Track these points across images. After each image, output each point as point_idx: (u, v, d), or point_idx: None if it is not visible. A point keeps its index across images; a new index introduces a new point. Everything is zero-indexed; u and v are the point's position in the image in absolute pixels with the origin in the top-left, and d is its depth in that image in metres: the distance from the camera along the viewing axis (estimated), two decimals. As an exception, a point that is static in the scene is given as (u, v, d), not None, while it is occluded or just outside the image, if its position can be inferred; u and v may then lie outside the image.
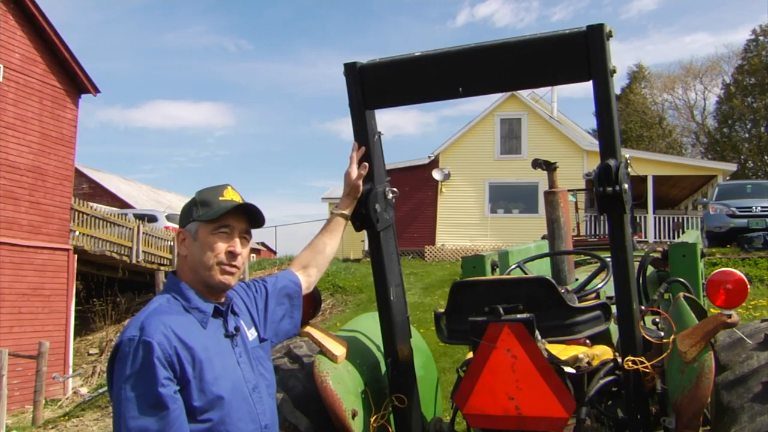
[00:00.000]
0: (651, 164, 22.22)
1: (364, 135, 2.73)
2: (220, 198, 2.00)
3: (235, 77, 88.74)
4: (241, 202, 2.03)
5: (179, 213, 2.13)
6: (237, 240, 1.99)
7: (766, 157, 39.72)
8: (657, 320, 2.95)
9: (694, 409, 2.37)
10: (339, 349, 2.73)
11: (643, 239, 20.40)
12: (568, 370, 2.74)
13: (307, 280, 2.43)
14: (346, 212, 2.57)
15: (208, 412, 1.81)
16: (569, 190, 4.60)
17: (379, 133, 2.79)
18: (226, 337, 1.96)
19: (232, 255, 1.96)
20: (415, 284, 16.29)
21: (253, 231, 2.10)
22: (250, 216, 2.05)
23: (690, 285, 3.47)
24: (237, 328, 2.02)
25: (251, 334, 2.09)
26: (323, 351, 2.70)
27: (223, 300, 2.01)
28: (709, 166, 24.46)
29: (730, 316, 2.46)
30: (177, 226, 2.14)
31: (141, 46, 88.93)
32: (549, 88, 25.79)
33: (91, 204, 19.31)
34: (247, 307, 2.15)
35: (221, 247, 1.95)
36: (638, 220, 21.32)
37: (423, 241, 23.12)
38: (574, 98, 72.78)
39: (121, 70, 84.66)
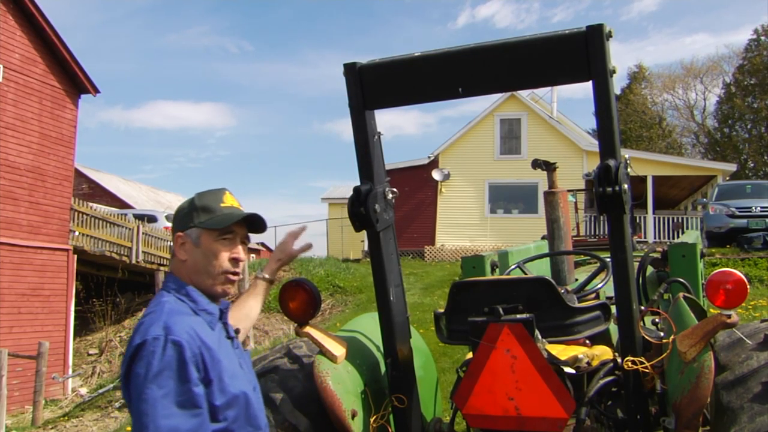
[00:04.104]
0: (651, 164, 22.23)
1: (364, 135, 2.73)
2: (222, 204, 2.00)
3: (236, 78, 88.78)
4: (241, 209, 2.05)
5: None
6: (239, 246, 2.01)
7: (766, 157, 39.72)
8: (657, 320, 2.95)
9: (694, 409, 2.37)
10: (339, 350, 2.74)
11: (642, 239, 20.40)
12: (568, 370, 2.74)
13: None
14: (270, 277, 2.53)
15: (227, 411, 1.83)
16: (569, 191, 4.59)
17: (379, 133, 2.79)
18: (227, 339, 1.98)
19: (235, 261, 1.98)
20: (415, 284, 16.30)
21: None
22: (250, 222, 2.05)
23: (690, 285, 3.47)
24: (237, 330, 2.06)
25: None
26: (323, 351, 2.70)
27: (220, 303, 2.03)
28: (709, 167, 24.47)
29: (729, 317, 2.46)
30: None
31: (142, 46, 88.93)
32: (549, 88, 25.80)
33: (90, 204, 19.30)
34: None
35: (225, 254, 1.96)
36: (638, 221, 21.32)
37: (423, 241, 23.13)
38: (574, 98, 72.85)
39: (123, 71, 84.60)
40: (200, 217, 1.97)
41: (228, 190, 2.06)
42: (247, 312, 2.44)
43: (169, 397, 1.70)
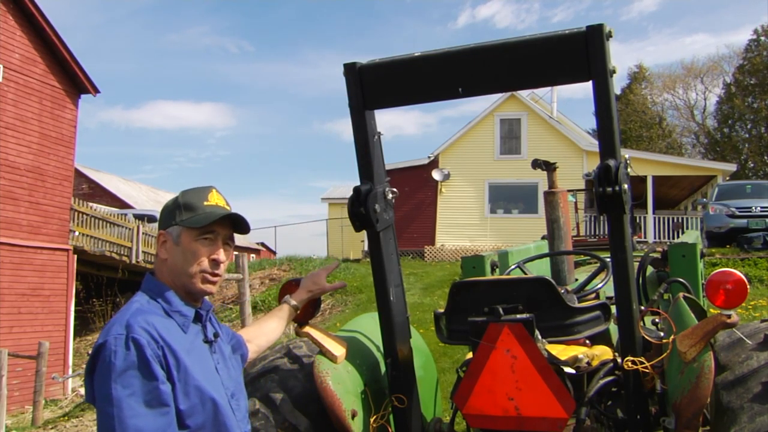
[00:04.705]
0: (651, 164, 22.23)
1: (364, 135, 2.73)
2: (205, 203, 1.94)
3: (236, 78, 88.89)
4: (227, 208, 1.98)
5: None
6: (221, 248, 1.94)
7: (766, 157, 39.72)
8: (657, 320, 2.95)
9: (694, 409, 2.37)
10: (339, 350, 2.73)
11: (642, 239, 20.41)
12: (568, 370, 2.74)
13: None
14: (296, 304, 2.53)
15: (191, 417, 1.76)
16: (569, 191, 4.59)
17: (379, 133, 2.79)
18: (205, 343, 1.92)
19: (215, 263, 1.91)
20: (415, 284, 16.29)
21: (252, 231, 2.06)
22: (234, 222, 1.98)
23: (690, 285, 3.47)
24: (216, 335, 1.99)
25: (227, 348, 2.05)
26: (323, 351, 2.70)
27: (201, 305, 1.96)
28: (709, 167, 24.47)
29: (729, 317, 2.46)
30: None
31: (143, 46, 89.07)
32: (549, 88, 25.81)
33: (90, 204, 19.32)
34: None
35: (204, 254, 1.90)
36: (638, 221, 21.33)
37: (423, 241, 23.13)
38: (574, 98, 72.94)
39: (123, 71, 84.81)
40: (182, 215, 1.91)
41: (215, 188, 2.00)
42: (266, 331, 2.41)
43: (134, 397, 1.65)
